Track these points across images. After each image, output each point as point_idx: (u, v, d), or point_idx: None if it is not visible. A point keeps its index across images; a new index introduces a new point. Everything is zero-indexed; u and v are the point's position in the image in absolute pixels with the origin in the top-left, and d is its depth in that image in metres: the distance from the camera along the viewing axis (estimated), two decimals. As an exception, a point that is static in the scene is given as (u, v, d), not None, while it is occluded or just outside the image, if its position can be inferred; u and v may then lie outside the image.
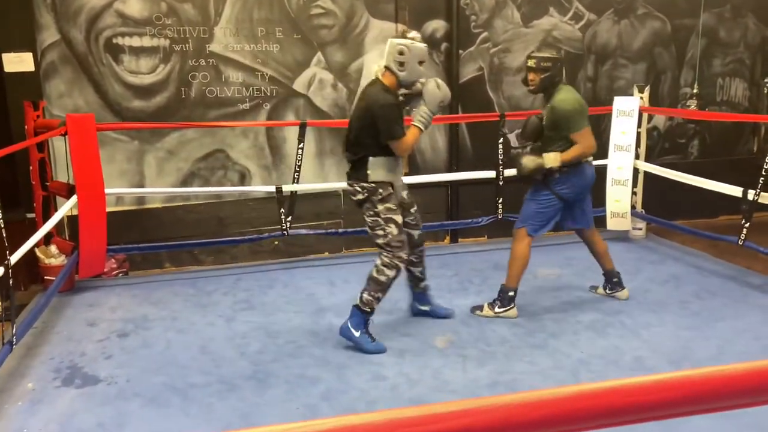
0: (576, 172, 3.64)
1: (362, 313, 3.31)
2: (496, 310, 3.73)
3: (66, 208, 4.06)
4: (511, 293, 3.73)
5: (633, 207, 5.17)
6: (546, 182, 3.65)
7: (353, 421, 0.58)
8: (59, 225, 4.38)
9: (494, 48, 5.23)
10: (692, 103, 5.40)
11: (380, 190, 3.24)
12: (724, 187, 4.38)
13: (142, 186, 4.72)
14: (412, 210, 3.50)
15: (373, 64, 4.96)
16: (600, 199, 5.24)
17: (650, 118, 5.46)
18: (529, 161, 3.61)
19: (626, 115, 4.99)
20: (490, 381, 3.04)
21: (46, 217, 4.11)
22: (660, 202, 5.27)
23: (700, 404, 0.68)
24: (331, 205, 5.09)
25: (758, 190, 4.07)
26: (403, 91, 3.31)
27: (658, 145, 5.74)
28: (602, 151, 5.22)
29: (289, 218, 4.56)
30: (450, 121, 5.18)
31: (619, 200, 5.07)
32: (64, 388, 3.01)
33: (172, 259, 4.86)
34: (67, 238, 4.51)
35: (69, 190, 4.16)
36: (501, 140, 4.86)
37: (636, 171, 5.12)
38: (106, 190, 4.20)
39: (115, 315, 3.89)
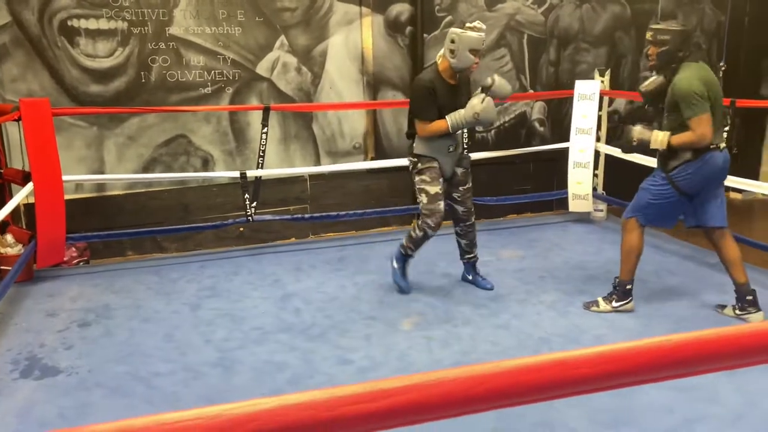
0: (700, 159, 3.20)
1: (400, 252, 3.84)
2: (614, 304, 3.52)
3: (21, 195, 3.94)
4: (629, 286, 3.51)
5: (594, 189, 5.27)
6: (664, 169, 3.30)
7: (297, 399, 0.58)
8: (15, 213, 4.26)
9: (458, 32, 5.22)
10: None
11: (419, 164, 3.61)
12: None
13: (102, 173, 4.61)
14: (461, 188, 3.75)
15: (340, 48, 4.95)
16: (562, 181, 5.34)
17: (611, 101, 5.55)
18: (636, 132, 3.34)
19: (587, 98, 5.07)
20: (455, 361, 3.08)
21: (1, 206, 3.98)
22: (620, 184, 5.36)
23: (637, 376, 0.70)
24: (297, 190, 5.06)
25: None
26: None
27: (618, 127, 5.83)
28: (564, 134, 5.31)
29: (254, 204, 4.52)
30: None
31: (581, 182, 5.17)
32: (22, 380, 2.95)
33: (134, 247, 4.78)
34: (24, 226, 4.39)
35: (24, 178, 4.04)
36: (466, 124, 4.88)
37: (597, 153, 5.22)
38: (64, 177, 4.09)
39: (76, 305, 3.81)
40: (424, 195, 3.61)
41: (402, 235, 5.15)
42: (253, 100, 4.82)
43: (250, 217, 4.53)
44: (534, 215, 5.64)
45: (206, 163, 4.82)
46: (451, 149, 3.63)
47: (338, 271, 4.32)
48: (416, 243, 3.75)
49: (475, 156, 5.00)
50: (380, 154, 5.18)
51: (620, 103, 5.81)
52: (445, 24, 5.17)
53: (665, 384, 2.68)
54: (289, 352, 3.18)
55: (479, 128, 3.75)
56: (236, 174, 4.50)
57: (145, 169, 4.70)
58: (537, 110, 5.57)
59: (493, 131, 5.49)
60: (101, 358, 3.16)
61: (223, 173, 4.68)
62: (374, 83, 5.08)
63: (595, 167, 5.24)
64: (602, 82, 5.16)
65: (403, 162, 5.04)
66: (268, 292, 3.96)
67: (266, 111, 4.45)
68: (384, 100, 5.13)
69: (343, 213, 4.85)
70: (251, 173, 4.51)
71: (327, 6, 4.89)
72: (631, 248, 3.46)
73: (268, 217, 4.72)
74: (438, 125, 3.50)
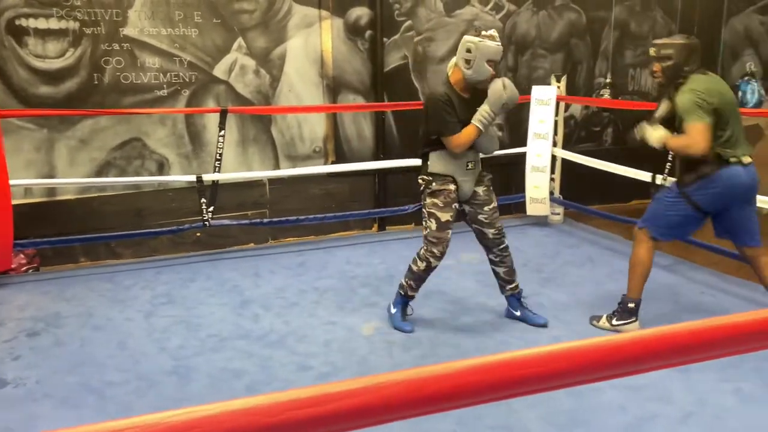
0: (717, 175, 3.00)
1: (400, 295, 3.48)
2: (614, 322, 3.31)
3: (-34, 200, 3.79)
4: (631, 305, 3.28)
5: (551, 193, 5.36)
6: (680, 183, 3.13)
7: (240, 405, 0.56)
8: (-41, 219, 4.09)
9: (418, 36, 5.26)
10: (606, 93, 5.63)
11: (434, 183, 3.25)
12: (635, 173, 4.60)
13: (52, 177, 4.46)
14: (486, 208, 3.34)
15: (299, 51, 4.92)
16: (520, 185, 5.41)
17: (567, 106, 5.66)
18: (642, 129, 3.17)
19: (544, 103, 5.15)
20: (415, 366, 3.07)
21: (-56, 211, 3.82)
22: (577, 188, 5.48)
23: (582, 375, 0.71)
24: (256, 195, 5.00)
25: (665, 175, 4.31)
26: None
27: (574, 133, 5.96)
28: (521, 139, 5.39)
29: (211, 209, 4.44)
30: (375, 109, 5.18)
31: (538, 186, 5.25)
32: (-34, 393, 2.83)
33: (87, 253, 4.64)
34: (-31, 233, 4.22)
35: (-31, 182, 3.88)
36: (425, 128, 4.90)
37: (554, 158, 5.31)
38: (12, 181, 3.95)
39: (25, 313, 3.67)
40: (433, 221, 3.24)
41: (363, 239, 5.18)
42: (210, 103, 4.75)
43: (206, 222, 4.45)
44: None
45: (161, 167, 4.72)
46: (470, 165, 3.27)
47: (298, 276, 4.28)
48: (418, 278, 3.37)
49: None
50: (341, 158, 5.17)
51: (576, 108, 5.92)
52: (405, 28, 5.20)
53: (619, 383, 2.74)
54: (246, 359, 3.13)
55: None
56: (192, 178, 4.42)
57: (99, 173, 4.57)
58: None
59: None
60: (51, 368, 3.05)
61: (178, 177, 4.59)
62: (334, 87, 5.06)
63: (552, 171, 5.33)
64: (558, 87, 5.26)
65: (364, 166, 5.06)
66: (225, 299, 3.89)
67: (223, 114, 4.39)
68: (344, 104, 5.11)
69: (303, 217, 4.81)
70: (208, 177, 4.44)
71: (286, 9, 4.85)
72: (636, 262, 3.24)
73: (226, 222, 4.64)
74: (468, 132, 3.14)
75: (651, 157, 5.21)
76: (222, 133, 4.38)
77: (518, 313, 3.53)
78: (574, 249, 4.83)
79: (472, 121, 3.15)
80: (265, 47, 4.85)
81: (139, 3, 4.45)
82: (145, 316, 3.64)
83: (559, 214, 5.50)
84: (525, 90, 5.49)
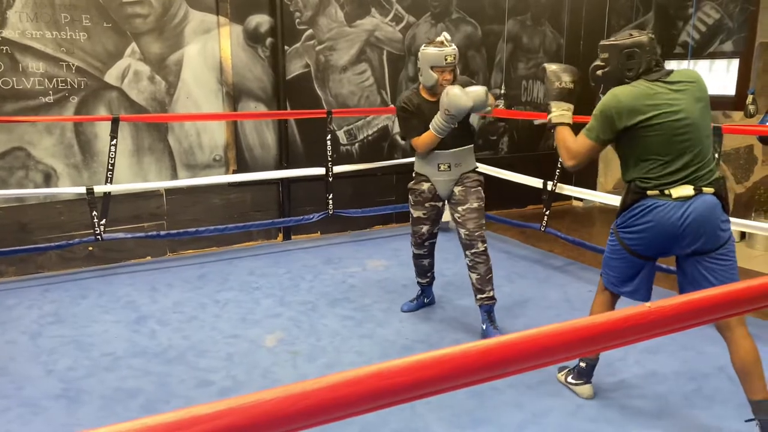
0: (640, 206, 2.34)
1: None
2: (569, 379, 2.88)
3: None
4: (582, 364, 2.81)
5: (453, 199, 5.51)
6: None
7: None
8: None
9: (320, 45, 5.27)
10: (500, 103, 5.87)
11: (412, 182, 3.54)
12: (528, 180, 4.83)
13: None
14: (460, 208, 3.41)
15: (197, 57, 4.79)
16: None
17: (466, 116, 5.85)
18: (554, 75, 2.63)
19: (444, 113, 5.30)
20: (320, 375, 3.07)
21: None
22: (476, 194, 5.66)
23: (449, 381, 0.75)
24: (152, 206, 4.81)
25: (555, 182, 4.56)
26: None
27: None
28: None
29: (103, 221, 4.23)
30: (278, 117, 5.13)
31: (440, 193, 5.38)
32: None
33: (-38, 272, 4.28)
34: None
35: None
36: (329, 137, 4.92)
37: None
38: None
39: None
40: (410, 215, 3.59)
41: (267, 249, 5.11)
42: (101, 110, 4.52)
43: (99, 236, 4.22)
44: (398, 225, 5.80)
45: (48, 178, 4.44)
46: (442, 168, 3.39)
47: (198, 289, 4.16)
48: (414, 264, 3.76)
49: (339, 169, 5.07)
50: (242, 167, 5.08)
51: (474, 117, 6.12)
52: (306, 37, 5.19)
53: (517, 382, 2.86)
54: (142, 377, 2.99)
55: (478, 118, 3.44)
56: (82, 190, 4.19)
57: (-25, 185, 4.24)
58: (398, 124, 5.74)
59: (357, 144, 5.58)
60: None
61: (66, 189, 4.33)
62: (234, 94, 4.97)
63: (453, 178, 5.48)
64: (457, 97, 5.42)
65: (267, 175, 4.99)
66: (120, 315, 3.71)
67: (115, 122, 4.20)
68: (245, 112, 5.03)
69: (203, 229, 4.68)
70: (99, 189, 4.22)
71: (182, 14, 4.72)
72: (590, 314, 2.71)
73: (120, 234, 4.43)
74: (427, 136, 3.30)
75: (542, 165, 5.50)
76: (114, 142, 4.19)
77: (483, 326, 3.40)
78: (474, 253, 4.98)
79: (430, 126, 3.29)
80: (161, 53, 4.68)
81: (19, 4, 4.18)
82: (30, 338, 3.40)
83: (460, 219, 5.66)
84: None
